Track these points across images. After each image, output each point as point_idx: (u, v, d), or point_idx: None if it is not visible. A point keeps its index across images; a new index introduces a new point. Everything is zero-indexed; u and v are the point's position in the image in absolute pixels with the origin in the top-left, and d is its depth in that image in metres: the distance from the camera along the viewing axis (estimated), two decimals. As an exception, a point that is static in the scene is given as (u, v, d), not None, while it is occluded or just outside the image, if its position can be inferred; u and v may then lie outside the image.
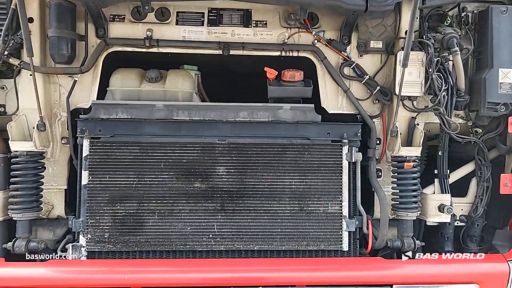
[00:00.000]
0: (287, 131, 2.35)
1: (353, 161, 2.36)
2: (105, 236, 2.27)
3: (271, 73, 2.38)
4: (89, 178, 2.28)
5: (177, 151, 2.31)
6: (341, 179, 2.35)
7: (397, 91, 2.34)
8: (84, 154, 2.29)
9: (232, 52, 2.45)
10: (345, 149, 2.35)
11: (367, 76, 2.45)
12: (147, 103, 2.31)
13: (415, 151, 2.39)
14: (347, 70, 2.49)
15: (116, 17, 2.44)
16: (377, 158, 2.47)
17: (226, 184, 2.31)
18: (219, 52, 2.45)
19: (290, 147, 2.33)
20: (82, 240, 2.27)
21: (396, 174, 2.44)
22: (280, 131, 2.35)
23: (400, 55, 2.33)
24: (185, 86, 2.43)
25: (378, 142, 2.52)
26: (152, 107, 2.30)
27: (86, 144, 2.29)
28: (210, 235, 2.30)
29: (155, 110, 2.31)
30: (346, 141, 2.34)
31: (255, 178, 2.32)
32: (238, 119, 2.33)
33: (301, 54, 2.48)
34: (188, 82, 2.45)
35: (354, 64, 2.45)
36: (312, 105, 2.35)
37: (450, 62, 2.42)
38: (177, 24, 2.46)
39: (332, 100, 2.49)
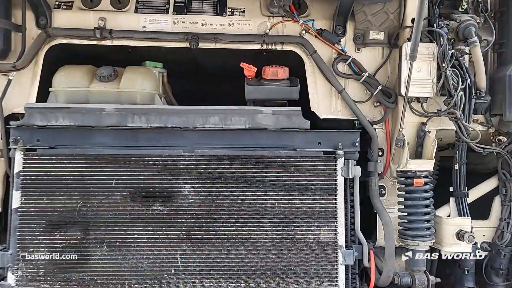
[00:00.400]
0: (269, 140, 1.96)
1: (351, 177, 1.97)
2: (40, 273, 1.84)
3: (249, 70, 1.98)
4: (21, 199, 1.86)
5: (132, 165, 1.91)
6: (335, 200, 1.95)
7: (403, 91, 1.95)
8: (16, 170, 1.86)
9: (202, 45, 2.05)
10: (340, 163, 1.96)
11: (366, 74, 2.08)
12: (94, 106, 1.90)
13: (426, 165, 1.97)
14: (341, 67, 2.11)
15: (62, 3, 2.05)
16: (379, 173, 2.08)
17: (193, 206, 1.91)
18: (186, 45, 2.04)
19: (272, 160, 1.94)
20: (11, 279, 1.83)
21: (403, 192, 2.01)
22: (260, 140, 1.96)
23: (406, 47, 1.94)
24: (145, 86, 2.02)
25: (380, 153, 2.13)
26: (101, 111, 1.88)
27: (19, 157, 1.86)
28: (173, 271, 1.87)
29: (104, 115, 1.88)
30: (341, 152, 1.96)
31: (229, 198, 1.92)
32: (208, 126, 1.93)
33: (286, 47, 2.10)
34: (149, 82, 2.04)
35: (350, 59, 2.08)
36: (299, 109, 1.97)
37: (466, 56, 2.05)
38: (136, 12, 2.09)
39: (324, 102, 2.12)
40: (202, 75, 2.53)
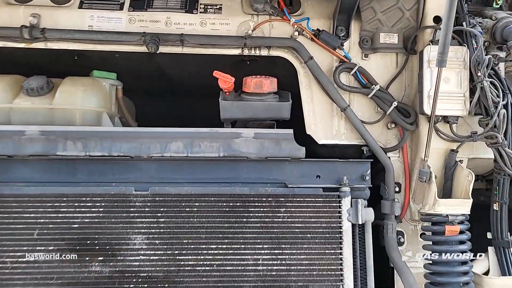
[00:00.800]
0: (250, 173, 1.51)
1: (360, 222, 1.50)
2: None
3: (225, 80, 1.52)
4: None
5: (63, 209, 1.42)
6: (340, 254, 1.47)
7: (426, 109, 1.54)
8: None
9: (164, 49, 1.62)
10: (346, 203, 1.49)
11: (377, 87, 1.65)
12: (11, 128, 1.41)
13: (461, 206, 1.50)
14: (345, 78, 1.68)
15: (-15, -3, 1.58)
16: (396, 215, 1.61)
17: (146, 265, 1.41)
18: (144, 49, 1.58)
19: (256, 200, 1.47)
20: None
21: (430, 243, 1.53)
22: (238, 173, 1.51)
23: (429, 51, 1.55)
24: (88, 102, 1.58)
25: (397, 189, 1.67)
26: (20, 135, 1.39)
27: None
28: None
29: (25, 141, 1.40)
30: (347, 189, 1.50)
31: (196, 254, 1.43)
32: (169, 155, 1.46)
33: (274, 52, 1.66)
34: (95, 97, 1.60)
35: (356, 68, 1.65)
36: (291, 131, 1.51)
37: (502, 65, 1.66)
38: (81, 7, 1.67)
39: (323, 123, 1.68)
40: (171, 90, 2.07)
